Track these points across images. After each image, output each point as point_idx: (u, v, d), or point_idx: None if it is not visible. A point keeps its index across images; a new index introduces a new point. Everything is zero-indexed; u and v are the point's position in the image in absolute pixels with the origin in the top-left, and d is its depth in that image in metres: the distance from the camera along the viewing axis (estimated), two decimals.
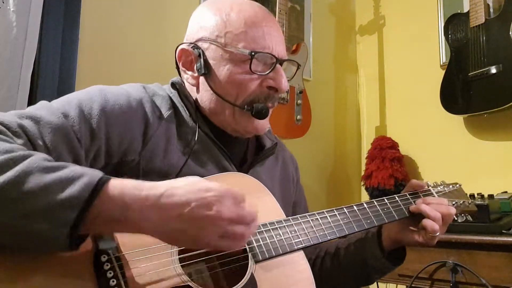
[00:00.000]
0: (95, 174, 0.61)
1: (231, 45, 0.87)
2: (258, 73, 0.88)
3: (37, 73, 1.49)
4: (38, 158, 0.61)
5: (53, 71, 1.53)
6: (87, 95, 0.80)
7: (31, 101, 1.46)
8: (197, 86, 0.92)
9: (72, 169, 0.61)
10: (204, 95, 0.91)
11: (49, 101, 0.78)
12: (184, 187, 0.64)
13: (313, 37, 2.54)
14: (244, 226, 0.66)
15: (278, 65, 0.90)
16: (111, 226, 0.63)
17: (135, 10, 1.82)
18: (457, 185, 1.17)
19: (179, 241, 0.66)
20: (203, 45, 0.90)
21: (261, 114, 0.89)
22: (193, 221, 0.62)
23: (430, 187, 1.10)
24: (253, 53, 0.86)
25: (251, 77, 0.88)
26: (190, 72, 0.93)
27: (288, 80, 0.93)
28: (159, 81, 0.97)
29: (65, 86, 1.54)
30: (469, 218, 1.10)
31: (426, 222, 0.95)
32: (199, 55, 0.89)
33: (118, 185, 0.62)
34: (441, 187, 1.12)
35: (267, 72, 0.88)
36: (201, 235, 0.63)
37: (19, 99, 1.43)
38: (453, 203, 1.07)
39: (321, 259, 1.08)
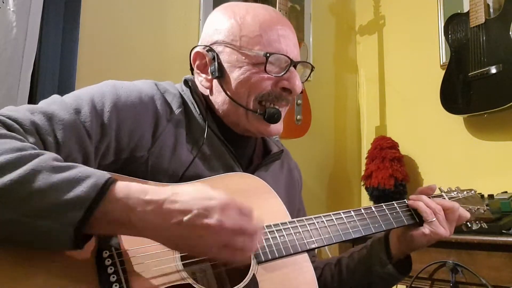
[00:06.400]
0: (102, 175, 0.62)
1: (246, 48, 0.88)
2: (273, 75, 0.88)
3: (37, 73, 1.49)
4: (47, 157, 0.62)
5: (53, 71, 1.53)
6: (100, 90, 0.80)
7: (31, 101, 1.46)
8: (210, 89, 0.92)
9: (80, 169, 0.62)
10: (217, 97, 0.91)
11: None
12: (188, 194, 0.63)
13: (313, 37, 2.54)
14: (247, 239, 0.64)
15: (292, 67, 0.90)
16: (114, 228, 0.63)
17: (135, 10, 1.82)
18: (472, 191, 1.13)
19: (179, 248, 0.66)
20: (217, 48, 0.90)
21: (273, 119, 0.90)
22: (192, 229, 0.61)
23: (443, 193, 1.07)
24: (268, 54, 0.86)
25: (266, 77, 0.88)
26: (204, 75, 0.93)
27: (302, 83, 0.93)
28: (159, 80, 0.96)
29: (65, 86, 1.54)
30: (484, 225, 1.07)
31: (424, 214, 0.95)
32: (213, 58, 0.89)
33: (124, 187, 0.62)
34: (455, 192, 1.09)
35: (282, 73, 0.89)
36: (200, 244, 0.62)
37: (19, 99, 1.43)
38: (467, 209, 1.03)
39: (321, 270, 1.06)
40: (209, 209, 0.61)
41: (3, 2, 1.43)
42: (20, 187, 0.57)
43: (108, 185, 0.61)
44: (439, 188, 1.08)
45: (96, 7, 1.69)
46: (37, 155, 0.61)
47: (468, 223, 1.05)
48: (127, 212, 0.61)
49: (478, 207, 1.08)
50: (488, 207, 1.10)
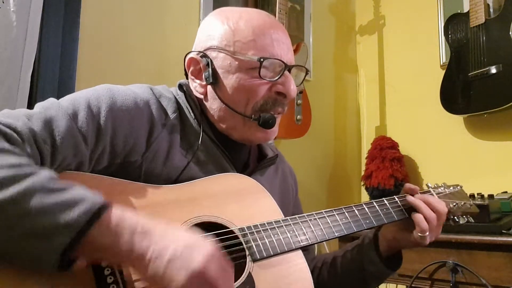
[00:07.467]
0: (95, 202, 0.61)
1: (240, 53, 0.87)
2: (267, 79, 0.88)
3: (37, 73, 1.49)
4: (43, 177, 0.61)
5: (53, 71, 1.53)
6: (95, 94, 0.80)
7: (31, 101, 1.46)
8: (205, 94, 0.92)
9: (74, 193, 0.61)
10: (213, 104, 0.91)
11: None
12: (173, 253, 0.62)
13: (313, 37, 2.54)
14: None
15: (286, 71, 0.90)
16: (100, 255, 0.63)
17: (135, 10, 1.82)
18: (458, 187, 1.16)
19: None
20: (211, 54, 0.90)
21: (267, 124, 0.90)
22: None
23: (430, 188, 1.10)
24: (261, 59, 0.86)
25: (260, 82, 0.88)
26: (198, 81, 0.93)
27: (296, 86, 0.93)
28: (159, 81, 0.97)
29: (65, 86, 1.54)
30: (471, 219, 1.09)
31: (417, 217, 0.96)
32: (207, 64, 0.89)
33: (117, 218, 0.62)
34: (442, 188, 1.12)
35: (276, 78, 0.88)
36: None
37: (19, 99, 1.43)
38: (454, 204, 1.06)
39: (319, 269, 1.09)
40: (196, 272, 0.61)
41: (3, 2, 1.43)
42: (12, 207, 0.57)
43: (99, 213, 0.60)
44: (426, 185, 1.11)
45: (96, 7, 1.69)
46: (32, 174, 0.60)
47: (455, 217, 1.07)
48: (115, 244, 0.61)
49: (464, 202, 1.10)
50: (473, 202, 1.13)
